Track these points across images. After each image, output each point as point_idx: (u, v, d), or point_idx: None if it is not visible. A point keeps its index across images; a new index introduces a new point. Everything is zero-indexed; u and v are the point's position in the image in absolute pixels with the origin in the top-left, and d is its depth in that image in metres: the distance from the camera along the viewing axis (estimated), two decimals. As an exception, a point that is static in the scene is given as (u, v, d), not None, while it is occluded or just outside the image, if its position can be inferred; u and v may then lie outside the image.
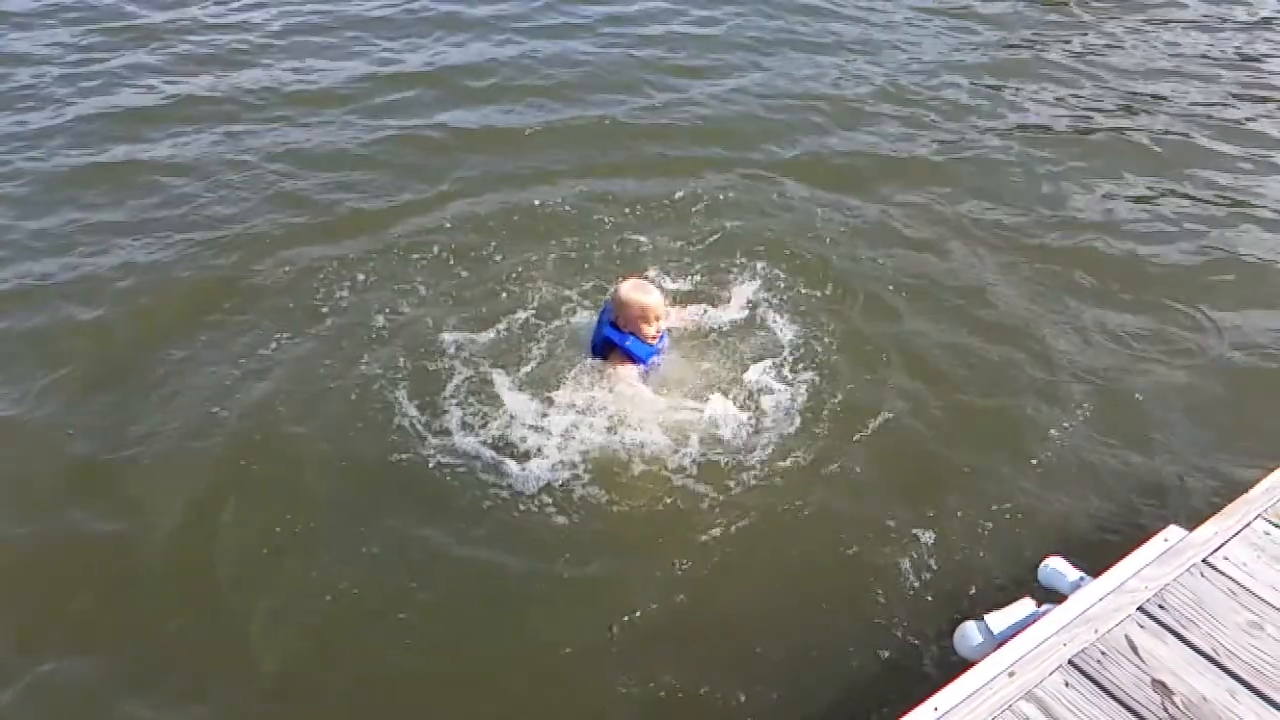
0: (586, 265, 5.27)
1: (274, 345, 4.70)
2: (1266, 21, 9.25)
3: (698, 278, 5.14)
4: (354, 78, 7.49)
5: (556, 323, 4.80)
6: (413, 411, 4.26)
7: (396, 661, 3.34)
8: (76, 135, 6.60)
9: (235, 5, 8.77)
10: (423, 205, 5.86)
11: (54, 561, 3.71)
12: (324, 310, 4.93)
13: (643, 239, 5.50)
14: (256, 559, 3.68)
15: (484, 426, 4.15)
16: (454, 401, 4.30)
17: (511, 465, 3.96)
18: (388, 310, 4.90)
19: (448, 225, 5.63)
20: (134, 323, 4.88)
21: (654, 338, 4.24)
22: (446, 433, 4.15)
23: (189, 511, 3.86)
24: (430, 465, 4.01)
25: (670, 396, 4.25)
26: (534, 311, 4.87)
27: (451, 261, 5.28)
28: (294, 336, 4.75)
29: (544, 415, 4.16)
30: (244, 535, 3.77)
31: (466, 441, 4.09)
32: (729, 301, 4.89)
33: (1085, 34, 8.81)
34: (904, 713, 2.64)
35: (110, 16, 8.42)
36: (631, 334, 4.22)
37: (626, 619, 3.46)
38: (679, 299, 4.94)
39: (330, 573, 3.63)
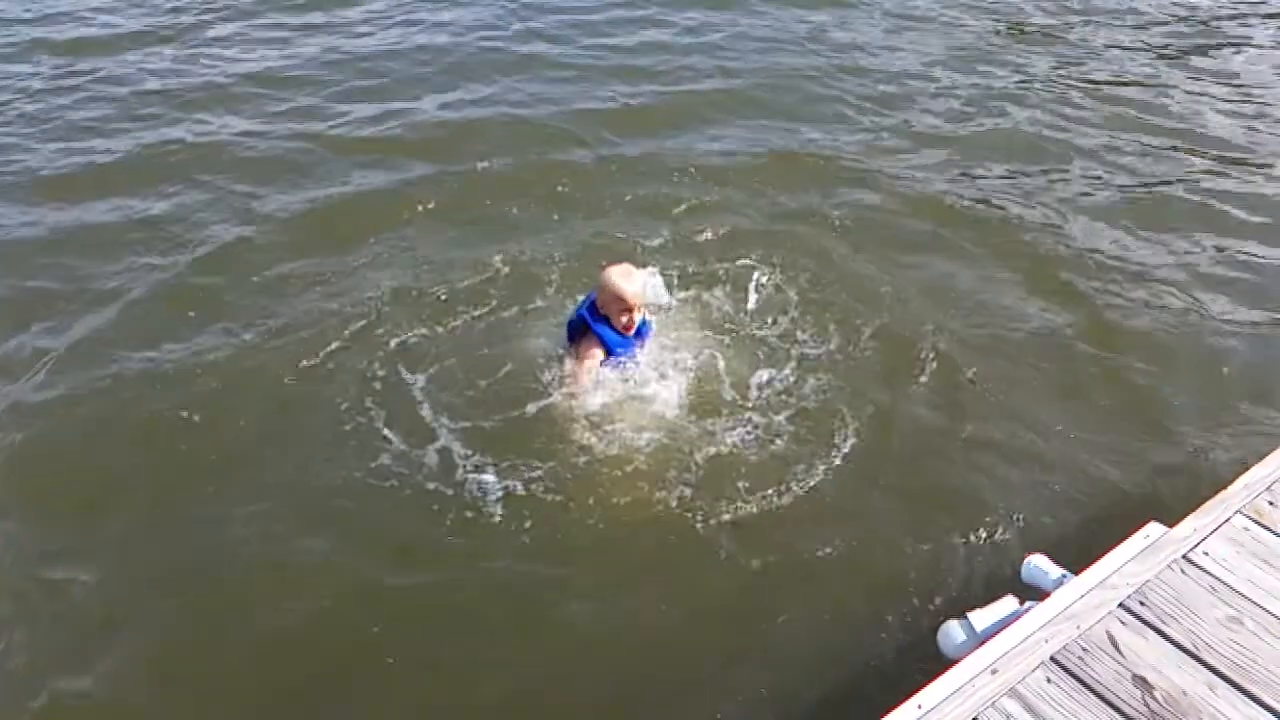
0: (571, 272, 5.24)
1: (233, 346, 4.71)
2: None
3: (693, 283, 5.15)
4: (332, 118, 7.23)
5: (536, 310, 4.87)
6: (368, 420, 4.22)
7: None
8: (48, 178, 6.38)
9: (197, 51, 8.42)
10: (393, 247, 5.61)
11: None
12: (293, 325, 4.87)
13: (635, 242, 5.52)
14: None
15: (435, 434, 4.10)
16: (387, 408, 4.27)
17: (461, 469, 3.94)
18: (364, 322, 4.85)
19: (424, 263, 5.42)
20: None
21: (627, 329, 4.09)
22: (392, 440, 4.10)
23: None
24: (384, 481, 3.95)
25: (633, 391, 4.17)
26: (516, 314, 4.88)
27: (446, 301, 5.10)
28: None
29: (510, 413, 4.14)
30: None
31: (416, 449, 4.04)
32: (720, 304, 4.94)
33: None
34: (887, 711, 2.65)
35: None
36: (605, 319, 4.08)
37: (604, 619, 3.47)
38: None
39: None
